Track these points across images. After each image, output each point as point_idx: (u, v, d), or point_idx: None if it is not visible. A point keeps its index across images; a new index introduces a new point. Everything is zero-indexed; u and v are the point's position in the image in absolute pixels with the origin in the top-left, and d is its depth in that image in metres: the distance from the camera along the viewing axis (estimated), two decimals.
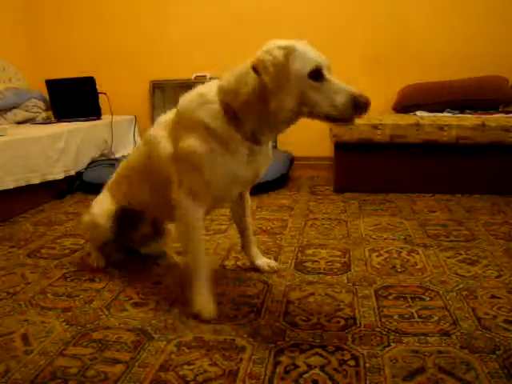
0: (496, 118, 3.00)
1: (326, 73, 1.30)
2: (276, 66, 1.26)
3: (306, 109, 1.32)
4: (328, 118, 1.31)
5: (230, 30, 3.84)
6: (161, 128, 1.58)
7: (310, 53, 1.31)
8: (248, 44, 3.96)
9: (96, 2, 4.11)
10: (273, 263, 1.84)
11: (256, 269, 1.84)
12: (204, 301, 1.50)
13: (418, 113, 3.37)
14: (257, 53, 1.32)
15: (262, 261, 1.85)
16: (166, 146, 1.53)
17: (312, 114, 1.33)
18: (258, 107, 1.36)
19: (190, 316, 1.49)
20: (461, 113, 3.31)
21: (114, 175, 1.91)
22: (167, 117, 1.59)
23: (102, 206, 1.83)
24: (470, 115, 3.20)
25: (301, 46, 1.32)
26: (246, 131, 1.42)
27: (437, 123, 2.95)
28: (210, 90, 1.45)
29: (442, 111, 3.37)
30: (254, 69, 1.30)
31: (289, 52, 1.28)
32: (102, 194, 1.91)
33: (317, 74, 1.28)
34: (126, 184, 1.81)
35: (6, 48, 3.89)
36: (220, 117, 1.41)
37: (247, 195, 1.80)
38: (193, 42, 3.96)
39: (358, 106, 1.27)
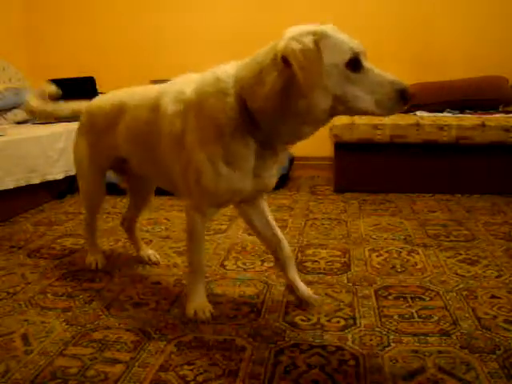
0: (496, 118, 3.00)
1: (363, 61, 1.12)
2: (307, 55, 1.06)
3: (341, 107, 1.12)
4: (367, 113, 1.14)
5: (231, 30, 3.84)
6: (176, 100, 1.36)
7: (343, 38, 1.12)
8: (249, 44, 3.96)
9: (96, 2, 4.11)
10: (312, 294, 1.56)
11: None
12: (200, 303, 1.48)
13: (418, 113, 3.37)
14: (280, 40, 1.12)
15: (304, 290, 1.54)
16: (175, 127, 1.35)
17: (348, 112, 1.16)
18: (280, 107, 1.16)
19: (185, 317, 1.48)
20: (461, 113, 3.31)
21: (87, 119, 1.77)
22: (188, 87, 1.35)
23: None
24: (470, 115, 3.20)
25: (331, 30, 1.12)
26: (261, 136, 1.23)
27: (437, 123, 2.95)
28: (227, 76, 1.25)
29: (442, 111, 3.37)
30: (284, 59, 1.09)
31: (319, 38, 1.09)
32: (77, 138, 1.83)
33: (355, 64, 1.10)
34: (113, 138, 1.66)
35: (6, 48, 3.89)
36: (233, 114, 1.22)
37: (262, 203, 1.54)
38: (193, 42, 3.96)
39: (404, 98, 1.10)
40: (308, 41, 1.07)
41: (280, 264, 1.56)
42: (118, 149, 1.67)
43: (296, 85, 1.10)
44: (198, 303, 1.48)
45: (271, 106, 1.17)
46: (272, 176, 1.40)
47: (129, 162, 1.71)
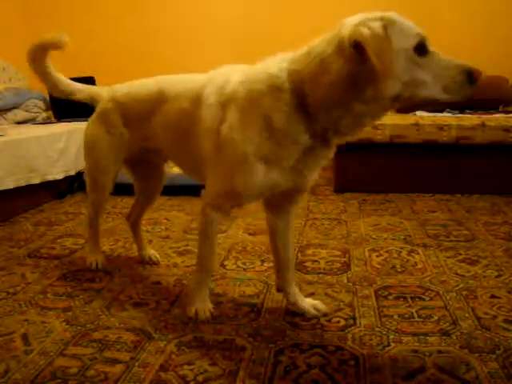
0: (496, 118, 3.00)
1: (428, 46, 1.09)
2: (379, 41, 1.02)
3: (407, 93, 1.08)
4: (433, 100, 1.10)
5: (231, 30, 3.84)
6: (217, 94, 1.31)
7: (409, 23, 1.10)
8: (249, 44, 3.97)
9: (96, 3, 4.11)
10: (320, 304, 1.51)
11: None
12: (201, 303, 1.47)
13: (418, 113, 3.37)
14: (341, 28, 1.08)
15: (307, 302, 1.50)
16: (213, 119, 1.30)
17: (411, 99, 1.10)
18: (345, 96, 1.10)
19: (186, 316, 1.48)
20: (461, 113, 3.31)
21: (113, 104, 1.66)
22: (232, 79, 1.29)
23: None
24: (470, 115, 3.20)
25: (396, 16, 1.09)
26: (318, 129, 1.18)
27: (437, 123, 2.95)
28: (279, 70, 1.19)
29: (442, 111, 3.37)
30: (355, 45, 1.04)
31: (387, 24, 1.05)
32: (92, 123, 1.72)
33: (422, 48, 1.07)
34: (143, 128, 1.60)
35: (6, 48, 3.89)
36: (289, 111, 1.17)
37: (294, 210, 1.49)
38: (193, 42, 3.96)
39: (472, 81, 1.06)
40: (377, 26, 1.04)
41: (281, 282, 1.54)
42: (153, 139, 1.60)
43: (365, 71, 1.05)
44: (200, 303, 1.47)
45: (336, 96, 1.11)
46: (314, 172, 1.32)
47: (164, 153, 1.65)
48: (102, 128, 1.70)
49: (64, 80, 1.86)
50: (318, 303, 1.51)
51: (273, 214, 1.49)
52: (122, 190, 2.15)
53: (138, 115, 1.61)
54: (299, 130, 1.18)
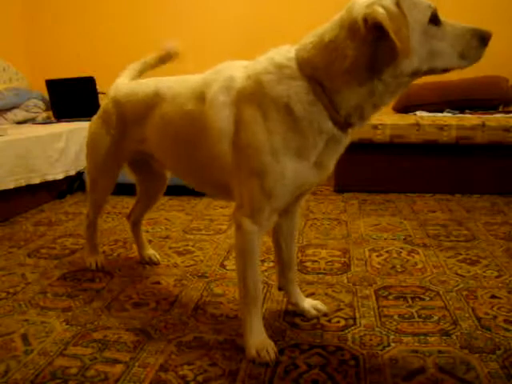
0: (496, 118, 3.00)
1: (439, 16, 1.08)
2: (395, 18, 1.00)
3: (426, 66, 1.07)
4: (452, 69, 1.10)
5: (231, 30, 3.84)
6: (226, 88, 1.22)
7: None
8: (249, 44, 3.96)
9: (96, 3, 4.11)
10: (320, 305, 1.50)
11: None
12: (261, 340, 1.27)
13: (418, 113, 3.38)
14: (350, 9, 1.06)
15: (308, 302, 1.50)
16: (226, 120, 1.21)
17: (431, 71, 1.09)
18: (361, 79, 1.08)
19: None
20: (461, 113, 3.31)
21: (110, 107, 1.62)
22: (238, 74, 1.22)
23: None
24: (469, 115, 3.20)
25: None
26: (341, 115, 1.14)
27: (437, 123, 2.95)
28: (288, 59, 1.15)
29: (442, 111, 3.37)
30: (369, 26, 1.01)
31: (398, 0, 1.02)
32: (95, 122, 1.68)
33: (435, 19, 1.07)
34: (142, 132, 1.52)
35: (5, 48, 3.89)
36: (308, 98, 1.12)
37: (298, 208, 1.46)
38: (193, 43, 3.96)
39: (484, 42, 1.08)
40: (390, 3, 1.01)
41: (283, 282, 1.52)
42: (146, 144, 1.54)
43: (383, 51, 1.04)
44: (260, 341, 1.27)
45: (355, 80, 1.08)
46: (333, 162, 1.27)
47: (158, 159, 1.59)
48: (103, 128, 1.66)
49: None
50: (318, 303, 1.51)
51: (279, 214, 1.44)
52: (122, 189, 2.15)
53: (135, 117, 1.55)
54: (323, 117, 1.13)
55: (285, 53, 1.17)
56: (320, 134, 1.16)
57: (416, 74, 1.09)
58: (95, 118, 1.72)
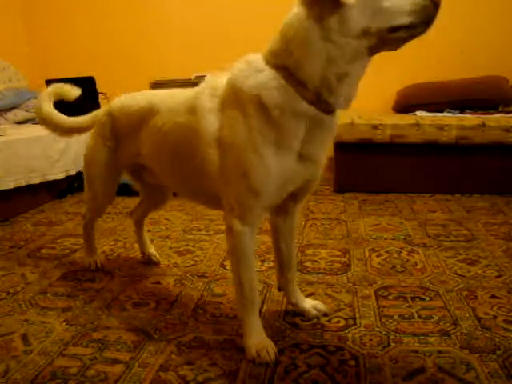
0: (496, 118, 3.00)
1: None
2: None
3: (375, 24, 1.05)
4: (403, 29, 1.07)
5: (231, 30, 3.84)
6: (211, 96, 1.26)
7: None
8: (248, 44, 3.94)
9: (96, 3, 4.11)
10: (320, 305, 1.51)
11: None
12: (261, 340, 1.28)
13: (418, 113, 3.37)
14: None
15: (308, 303, 1.50)
16: (212, 126, 1.24)
17: (382, 34, 1.07)
18: (315, 46, 1.09)
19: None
20: (461, 113, 3.31)
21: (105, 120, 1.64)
22: (220, 82, 1.26)
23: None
24: (469, 115, 3.19)
25: None
26: (311, 91, 1.13)
27: (437, 123, 2.95)
28: (257, 57, 1.19)
29: (442, 111, 3.37)
30: None
31: None
32: (92, 139, 1.71)
33: None
34: (136, 144, 1.54)
35: (6, 48, 3.89)
36: (276, 84, 1.14)
37: (297, 210, 1.45)
38: (193, 42, 3.96)
39: (436, 3, 1.07)
40: None
41: (283, 282, 1.52)
42: (140, 157, 1.57)
43: (327, 5, 1.05)
44: (259, 341, 1.27)
45: (309, 48, 1.10)
46: (322, 155, 1.26)
47: (152, 171, 1.61)
48: (99, 140, 1.68)
49: (64, 119, 1.88)
50: (318, 303, 1.51)
51: (277, 214, 1.45)
52: (122, 190, 2.15)
53: (129, 130, 1.57)
54: (295, 99, 1.14)
55: (254, 55, 1.21)
56: (296, 119, 1.15)
57: (367, 33, 1.06)
58: (92, 131, 1.75)
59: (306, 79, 1.12)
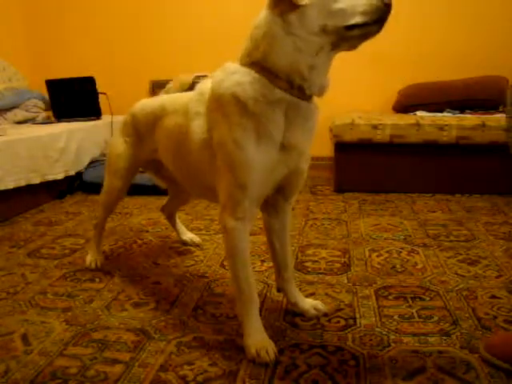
0: (496, 118, 3.00)
1: None
2: None
3: (331, 22, 1.13)
4: (358, 27, 1.14)
5: (230, 30, 3.84)
6: (199, 101, 1.36)
7: None
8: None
9: (96, 2, 4.11)
10: (320, 305, 1.51)
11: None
12: (260, 340, 1.27)
13: (418, 113, 3.37)
14: None
15: (307, 303, 1.51)
16: (199, 129, 1.34)
17: (340, 32, 1.14)
18: (280, 38, 1.16)
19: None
20: (461, 113, 3.31)
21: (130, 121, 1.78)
22: (207, 87, 1.35)
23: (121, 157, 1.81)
24: (470, 115, 3.19)
25: None
26: (283, 79, 1.19)
27: (437, 123, 2.95)
28: (232, 63, 1.28)
29: (442, 111, 3.37)
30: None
31: None
32: (116, 138, 1.85)
33: None
34: (152, 142, 1.68)
35: (6, 48, 3.89)
36: (248, 79, 1.21)
37: (289, 208, 1.47)
38: (193, 42, 3.96)
39: (387, 3, 1.12)
40: None
41: (281, 282, 1.53)
42: (157, 153, 1.69)
43: (286, 5, 1.14)
44: (259, 340, 1.27)
45: (275, 40, 1.17)
46: (305, 144, 1.28)
47: (167, 167, 1.71)
48: (121, 138, 1.83)
49: None
50: (318, 303, 1.51)
51: (269, 213, 1.48)
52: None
53: (146, 129, 1.70)
54: (268, 89, 1.19)
55: (231, 62, 1.29)
56: (273, 107, 1.20)
57: (326, 31, 1.14)
58: (116, 130, 1.92)
59: (276, 69, 1.19)
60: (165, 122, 1.57)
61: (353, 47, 1.21)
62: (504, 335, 1.29)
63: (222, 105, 1.25)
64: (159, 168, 1.85)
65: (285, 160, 1.25)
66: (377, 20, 1.13)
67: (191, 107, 1.39)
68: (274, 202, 1.43)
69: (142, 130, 1.73)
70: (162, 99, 1.67)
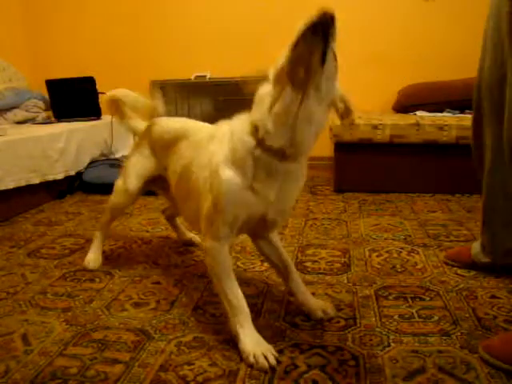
0: None
1: None
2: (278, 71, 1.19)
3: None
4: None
5: (230, 30, 3.84)
6: (225, 158, 1.29)
7: None
8: (248, 44, 3.96)
9: (96, 2, 4.11)
10: (330, 309, 1.48)
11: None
12: (258, 347, 1.25)
13: (418, 113, 3.37)
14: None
15: (315, 303, 1.49)
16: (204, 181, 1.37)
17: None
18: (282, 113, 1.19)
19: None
20: (461, 113, 3.31)
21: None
22: (219, 131, 1.39)
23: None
24: (470, 115, 3.19)
25: None
26: (260, 137, 1.22)
27: (437, 123, 2.95)
28: (242, 122, 1.30)
29: (441, 111, 3.36)
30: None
31: None
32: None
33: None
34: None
35: (5, 48, 3.89)
36: (243, 137, 1.26)
37: (274, 235, 1.51)
38: (193, 42, 3.96)
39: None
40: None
41: (290, 284, 1.51)
42: (166, 172, 1.70)
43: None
44: (256, 346, 1.26)
45: (277, 114, 1.19)
46: (287, 199, 1.32)
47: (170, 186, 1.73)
48: (137, 149, 1.87)
49: None
50: (328, 307, 1.48)
51: (254, 239, 1.53)
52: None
53: (162, 143, 1.72)
54: (253, 147, 1.23)
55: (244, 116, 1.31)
56: (249, 154, 1.23)
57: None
58: (135, 141, 2.01)
59: (273, 137, 1.20)
60: (183, 146, 1.59)
61: None
62: (504, 336, 1.29)
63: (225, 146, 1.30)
64: (164, 186, 1.84)
65: (256, 201, 1.26)
66: None
67: (202, 145, 1.44)
68: (256, 231, 1.47)
69: (157, 146, 1.76)
70: (184, 121, 1.73)
